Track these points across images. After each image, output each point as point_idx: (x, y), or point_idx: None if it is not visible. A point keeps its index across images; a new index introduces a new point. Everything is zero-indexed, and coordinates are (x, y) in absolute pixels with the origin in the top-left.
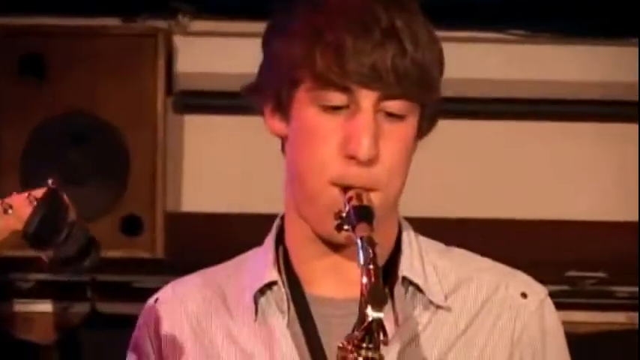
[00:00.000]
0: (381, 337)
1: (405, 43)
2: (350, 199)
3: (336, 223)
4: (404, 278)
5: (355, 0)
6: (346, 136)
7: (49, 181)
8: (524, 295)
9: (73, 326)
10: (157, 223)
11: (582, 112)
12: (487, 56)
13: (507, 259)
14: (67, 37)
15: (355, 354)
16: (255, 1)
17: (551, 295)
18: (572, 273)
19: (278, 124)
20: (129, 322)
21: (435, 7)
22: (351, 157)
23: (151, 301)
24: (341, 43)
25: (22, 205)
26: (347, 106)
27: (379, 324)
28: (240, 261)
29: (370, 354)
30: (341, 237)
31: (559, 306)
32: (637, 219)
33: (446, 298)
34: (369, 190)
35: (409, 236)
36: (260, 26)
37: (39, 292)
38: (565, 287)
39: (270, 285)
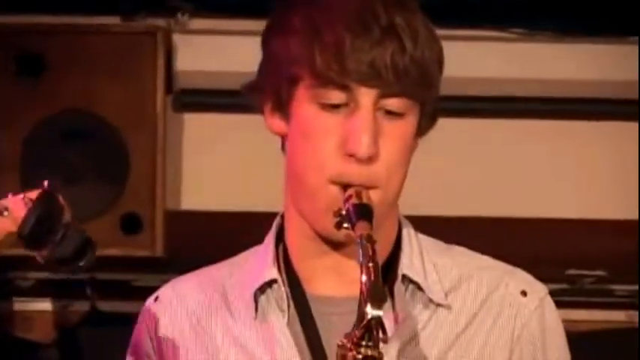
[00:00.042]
0: (381, 335)
1: (405, 41)
2: (349, 197)
3: (335, 221)
4: (404, 276)
5: None
6: (346, 134)
7: (45, 183)
8: (524, 294)
9: (72, 325)
10: (157, 221)
11: (582, 110)
12: (487, 55)
13: (507, 257)
14: (65, 35)
15: (354, 352)
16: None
17: (551, 293)
18: (571, 271)
19: (278, 123)
20: (128, 321)
21: (435, 6)
22: (351, 155)
23: (150, 299)
24: (340, 41)
25: (17, 207)
26: (346, 104)
27: (378, 322)
28: (241, 259)
29: (369, 352)
30: (340, 235)
31: (559, 304)
32: (637, 217)
33: (446, 296)
34: (368, 188)
35: (409, 234)
36: (259, 24)
37: (38, 290)
38: (565, 286)
39: (270, 283)
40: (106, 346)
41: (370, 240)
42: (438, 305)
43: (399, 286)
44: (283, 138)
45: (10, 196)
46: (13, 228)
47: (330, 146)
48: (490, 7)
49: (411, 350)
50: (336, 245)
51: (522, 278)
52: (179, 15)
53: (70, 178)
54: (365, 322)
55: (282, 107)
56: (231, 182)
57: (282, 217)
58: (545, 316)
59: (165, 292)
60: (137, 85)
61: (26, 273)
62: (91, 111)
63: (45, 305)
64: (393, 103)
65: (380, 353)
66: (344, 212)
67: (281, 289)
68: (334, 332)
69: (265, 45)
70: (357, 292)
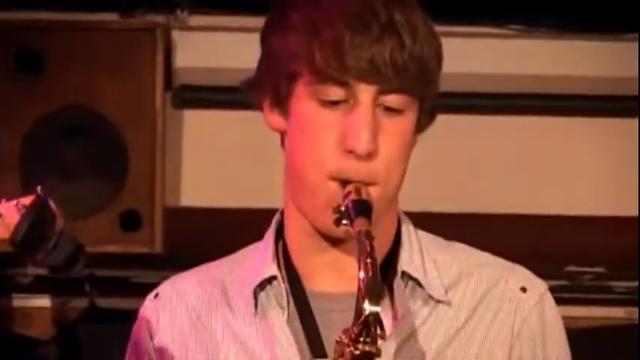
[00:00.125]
0: (379, 331)
1: (404, 37)
2: (348, 194)
3: (334, 217)
4: (403, 273)
5: None
6: (345, 130)
7: (38, 189)
8: (523, 290)
9: (71, 321)
10: (156, 218)
11: (582, 106)
12: (486, 51)
13: (506, 253)
14: (64, 32)
15: (352, 348)
16: None
17: (550, 289)
18: (571, 268)
19: (277, 119)
20: (128, 317)
21: (434, 2)
22: (350, 152)
23: (150, 296)
24: (339, 37)
25: (10, 213)
26: (345, 101)
27: (376, 318)
28: (241, 255)
29: (367, 348)
30: (339, 231)
31: (558, 301)
32: (636, 214)
33: (446, 292)
34: (367, 184)
35: (409, 231)
36: (259, 21)
37: (37, 287)
38: (564, 282)
39: (269, 280)
40: (105, 343)
41: (369, 236)
42: (438, 302)
43: (398, 283)
44: (282, 134)
45: (3, 201)
46: (6, 234)
47: (329, 142)
48: (489, 4)
49: (410, 346)
50: (335, 241)
51: (522, 274)
52: (178, 11)
53: (69, 174)
54: (363, 318)
55: (282, 104)
56: (230, 179)
57: (282, 213)
58: (545, 312)
59: (165, 288)
60: (136, 81)
61: (25, 269)
62: (90, 108)
63: (44, 302)
64: (392, 99)
65: (378, 349)
66: (343, 208)
67: (281, 286)
68: (334, 329)
69: (264, 42)
70: (357, 289)
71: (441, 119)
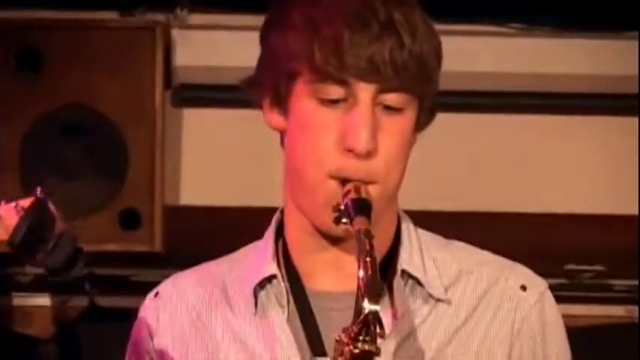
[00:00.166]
0: (378, 330)
1: (403, 36)
2: (348, 192)
3: (334, 216)
4: (403, 271)
5: None
6: (344, 129)
7: (37, 191)
8: (523, 288)
9: (71, 320)
10: (156, 216)
11: (582, 105)
12: (485, 49)
13: (506, 252)
14: (63, 31)
15: (352, 347)
16: None
17: (550, 288)
18: (570, 266)
19: (276, 118)
20: (127, 316)
21: (434, 1)
22: (350, 150)
23: (150, 295)
24: (339, 36)
25: (9, 215)
26: (345, 100)
27: (375, 317)
28: (240, 254)
29: (367, 347)
30: (339, 230)
31: (557, 299)
32: (636, 212)
33: (446, 291)
34: (367, 183)
35: (408, 229)
36: (258, 19)
37: (37, 285)
38: (563, 280)
39: (269, 279)
40: (105, 341)
41: (368, 235)
42: (438, 300)
43: (398, 281)
44: (282, 133)
45: (2, 203)
46: (5, 236)
47: (329, 141)
48: (488, 2)
49: (410, 345)
50: (335, 240)
51: (522, 273)
52: (178, 10)
53: (69, 173)
54: (362, 317)
55: (281, 102)
56: (230, 177)
57: (282, 212)
58: (545, 311)
59: (165, 287)
60: (136, 80)
61: (25, 268)
62: (90, 106)
63: (44, 300)
64: (391, 98)
65: (377, 348)
66: (342, 207)
67: (280, 285)
68: (334, 327)
69: (264, 40)
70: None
71: (441, 118)
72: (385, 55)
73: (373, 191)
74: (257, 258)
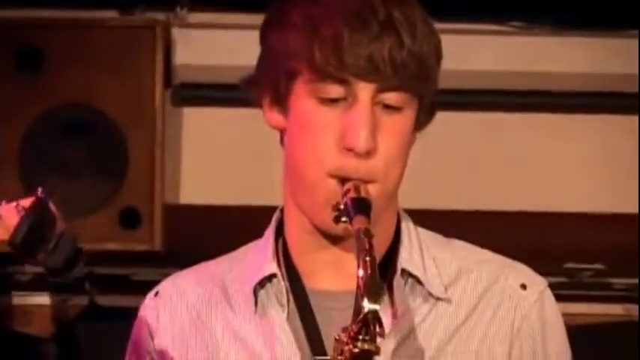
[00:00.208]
0: (378, 329)
1: (403, 35)
2: (347, 191)
3: (333, 215)
4: (403, 270)
5: None
6: (344, 128)
7: (38, 191)
8: (523, 287)
9: (71, 319)
10: (156, 215)
11: (582, 103)
12: (486, 48)
13: (506, 250)
14: (63, 30)
15: (351, 346)
16: None
17: (550, 286)
18: (570, 265)
19: (276, 117)
20: (127, 315)
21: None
22: (349, 149)
23: (150, 294)
24: (338, 35)
25: (10, 215)
26: (344, 99)
27: (375, 316)
28: (240, 253)
29: (366, 346)
30: (339, 229)
31: (557, 298)
32: (636, 211)
33: (445, 289)
34: (366, 182)
35: (408, 228)
36: (258, 18)
37: (37, 284)
38: (563, 279)
39: (269, 278)
40: (105, 341)
41: (368, 234)
42: (438, 299)
43: (398, 280)
44: (282, 132)
45: (3, 203)
46: (5, 236)
47: (328, 140)
48: (488, 1)
49: (409, 344)
50: (335, 239)
51: (522, 271)
52: (178, 9)
53: (69, 172)
54: (362, 316)
55: (281, 101)
56: (230, 176)
57: (282, 211)
58: (545, 309)
59: (165, 287)
60: (136, 79)
61: (24, 267)
62: (90, 105)
63: (43, 299)
64: (391, 97)
65: (377, 347)
66: (342, 206)
67: (280, 284)
68: (334, 326)
69: (264, 39)
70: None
71: (441, 116)
72: (385, 54)
73: (373, 190)
74: (257, 257)
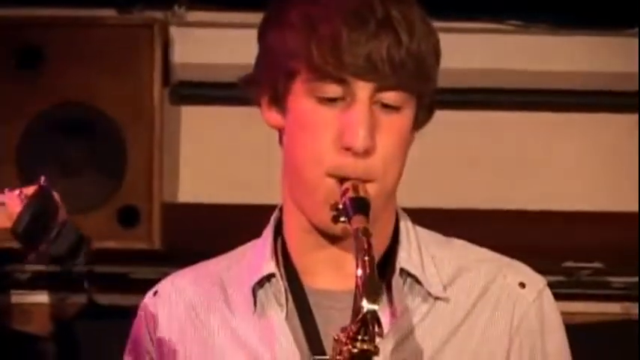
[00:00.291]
0: (377, 329)
1: (401, 34)
2: (346, 191)
3: (332, 214)
4: (402, 270)
5: None
6: (342, 127)
7: (41, 179)
8: (522, 285)
9: (70, 317)
10: (154, 214)
11: (582, 102)
12: (484, 47)
13: (504, 249)
14: (62, 28)
15: (350, 346)
16: None
17: (548, 285)
18: (568, 264)
19: (275, 116)
20: (126, 313)
21: None
22: (347, 149)
23: (149, 294)
24: (337, 34)
25: (13, 203)
26: (343, 98)
27: (374, 316)
28: (239, 253)
29: (365, 346)
30: (337, 228)
31: (555, 296)
32: (635, 209)
33: (444, 289)
34: (365, 181)
35: (407, 227)
36: (257, 17)
37: (36, 283)
38: (561, 278)
39: (268, 277)
40: (104, 339)
41: (366, 233)
42: (437, 298)
43: (396, 280)
44: (280, 131)
45: (6, 191)
46: (8, 224)
47: (327, 140)
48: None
49: (408, 343)
50: (333, 239)
51: (521, 270)
52: (176, 7)
53: (68, 170)
54: (361, 316)
55: (279, 101)
56: (228, 175)
57: (281, 210)
58: (544, 308)
59: (164, 286)
60: (134, 77)
61: (24, 266)
62: (89, 104)
63: (42, 298)
64: (389, 96)
65: (376, 347)
66: (341, 206)
67: (279, 283)
68: (333, 326)
69: (262, 38)
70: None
71: (439, 115)
72: (383, 53)
73: (371, 189)
74: (256, 256)
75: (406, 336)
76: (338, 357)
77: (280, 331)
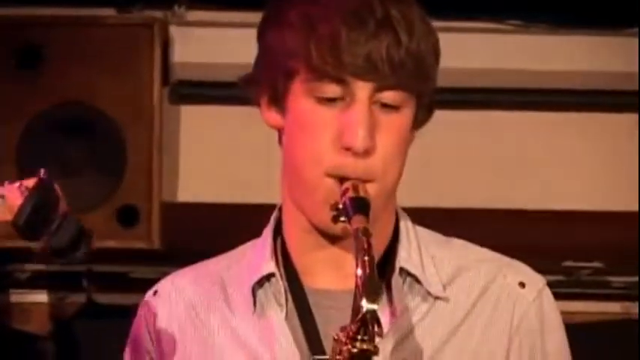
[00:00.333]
0: (376, 328)
1: (400, 33)
2: (346, 191)
3: (332, 214)
4: (401, 269)
5: None
6: (342, 127)
7: (41, 172)
8: (522, 285)
9: (69, 317)
10: (154, 213)
11: (581, 102)
12: (484, 46)
13: (504, 249)
14: (62, 27)
15: (350, 346)
16: None
17: (548, 285)
18: (568, 263)
19: (274, 116)
20: (125, 313)
21: None
22: (347, 149)
23: (149, 293)
24: (336, 34)
25: (13, 195)
26: (342, 98)
27: (374, 316)
28: (239, 252)
29: (365, 346)
30: (337, 228)
31: (555, 296)
32: (635, 209)
33: (444, 288)
34: (365, 181)
35: (407, 227)
36: (256, 16)
37: (35, 282)
38: (561, 277)
39: (268, 277)
40: (103, 338)
41: (366, 233)
42: (436, 298)
43: (396, 279)
44: (280, 131)
45: (6, 183)
46: (9, 217)
47: (326, 140)
48: None
49: (408, 343)
50: (333, 239)
51: (520, 270)
52: (176, 7)
53: (68, 170)
54: (360, 316)
55: (279, 101)
56: (228, 174)
57: (280, 209)
58: (544, 308)
59: (164, 285)
60: (134, 77)
61: (23, 265)
62: (89, 103)
63: (41, 297)
64: (388, 96)
65: (375, 347)
66: (340, 206)
67: (279, 283)
68: (333, 325)
69: (261, 38)
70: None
71: (439, 115)
72: (382, 53)
73: (371, 189)
74: (255, 256)
75: (406, 335)
76: (338, 357)
77: (280, 331)
